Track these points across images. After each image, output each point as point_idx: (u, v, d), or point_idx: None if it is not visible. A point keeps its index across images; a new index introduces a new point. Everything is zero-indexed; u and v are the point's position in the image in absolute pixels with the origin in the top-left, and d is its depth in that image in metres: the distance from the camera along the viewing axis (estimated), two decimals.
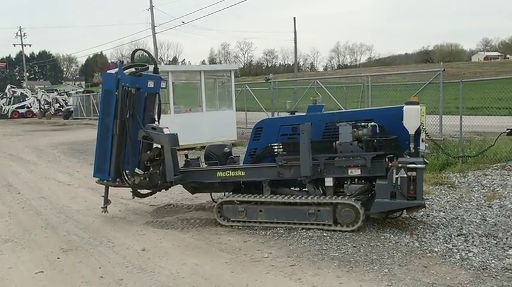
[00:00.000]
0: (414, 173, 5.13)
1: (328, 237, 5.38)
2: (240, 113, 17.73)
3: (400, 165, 5.18)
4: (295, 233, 5.58)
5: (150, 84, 6.42)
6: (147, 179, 6.40)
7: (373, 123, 5.58)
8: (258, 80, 38.20)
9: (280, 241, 5.42)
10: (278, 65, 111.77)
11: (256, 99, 18.98)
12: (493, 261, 4.46)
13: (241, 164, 6.38)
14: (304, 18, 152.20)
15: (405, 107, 5.35)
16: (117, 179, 6.41)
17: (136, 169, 6.40)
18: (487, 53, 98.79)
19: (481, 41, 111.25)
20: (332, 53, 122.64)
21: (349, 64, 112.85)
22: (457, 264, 4.48)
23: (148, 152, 6.43)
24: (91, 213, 7.24)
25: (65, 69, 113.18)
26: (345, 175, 5.62)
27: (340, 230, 5.44)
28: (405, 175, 5.15)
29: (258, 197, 5.93)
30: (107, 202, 6.68)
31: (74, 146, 16.45)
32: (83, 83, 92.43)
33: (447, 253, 4.76)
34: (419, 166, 5.14)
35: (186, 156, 6.85)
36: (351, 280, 4.26)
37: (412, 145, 5.34)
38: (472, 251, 4.72)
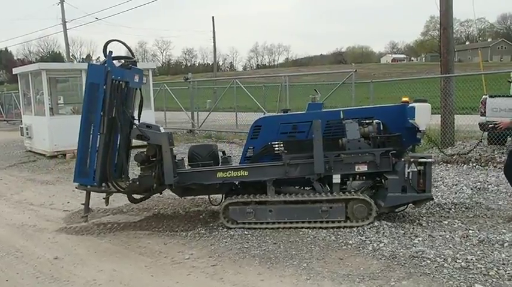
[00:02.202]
0: (423, 167, 5.42)
1: (249, 235, 5.45)
2: (158, 113, 17.38)
3: (412, 160, 5.42)
4: (217, 233, 5.58)
5: (136, 78, 5.94)
6: (137, 183, 5.85)
7: (376, 120, 5.76)
8: (177, 79, 37.72)
9: (201, 241, 5.39)
10: (197, 65, 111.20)
11: (175, 98, 18.73)
12: (401, 250, 4.76)
13: (244, 164, 6.05)
14: (224, 18, 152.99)
15: (417, 105, 5.60)
16: (103, 184, 5.77)
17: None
18: (394, 56, 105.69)
19: (389, 44, 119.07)
20: (251, 53, 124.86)
21: (267, 64, 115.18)
22: (370, 255, 4.73)
23: (141, 152, 5.90)
24: None
25: None
26: (351, 172, 5.69)
27: (351, 226, 5.51)
28: (415, 169, 5.41)
29: (267, 196, 5.73)
30: (88, 210, 5.97)
31: None
32: None
33: (361, 244, 5.00)
34: (429, 160, 5.46)
35: (175, 157, 6.26)
36: (271, 276, 4.34)
37: (422, 141, 5.67)
38: (383, 242, 4.99)
